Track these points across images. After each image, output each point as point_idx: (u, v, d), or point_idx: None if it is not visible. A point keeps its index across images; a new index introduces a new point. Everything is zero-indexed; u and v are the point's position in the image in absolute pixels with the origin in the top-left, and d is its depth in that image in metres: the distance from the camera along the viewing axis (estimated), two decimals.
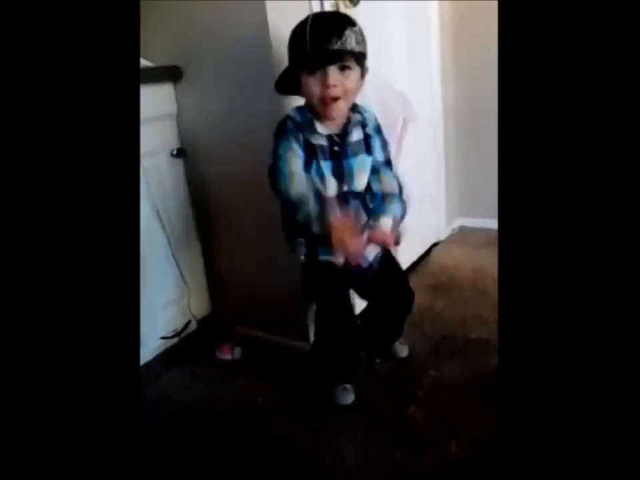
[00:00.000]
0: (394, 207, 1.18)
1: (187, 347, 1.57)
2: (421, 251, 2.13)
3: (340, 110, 1.08)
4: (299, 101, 1.14)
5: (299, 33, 1.03)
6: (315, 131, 1.09)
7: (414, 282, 1.89)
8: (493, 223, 2.25)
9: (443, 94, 2.14)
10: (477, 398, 1.24)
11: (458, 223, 2.41)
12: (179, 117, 1.51)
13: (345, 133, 1.12)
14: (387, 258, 1.27)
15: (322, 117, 1.09)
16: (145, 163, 1.35)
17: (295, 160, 1.07)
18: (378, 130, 1.19)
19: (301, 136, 1.08)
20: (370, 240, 1.15)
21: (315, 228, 1.08)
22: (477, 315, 1.63)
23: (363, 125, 1.15)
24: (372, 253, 1.21)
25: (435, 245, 2.23)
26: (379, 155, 1.19)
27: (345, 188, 1.13)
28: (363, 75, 1.08)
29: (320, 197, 1.09)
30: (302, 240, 1.18)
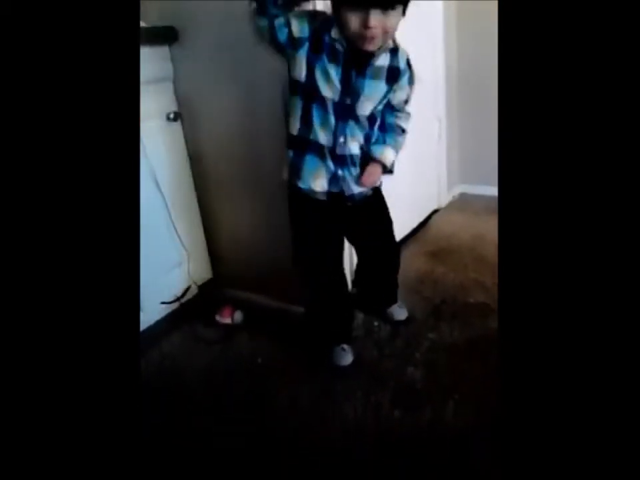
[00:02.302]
0: (398, 139, 1.23)
1: (188, 311, 1.58)
2: (422, 217, 2.12)
3: (376, 45, 1.03)
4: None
5: None
6: (333, 36, 1.03)
7: (414, 248, 1.92)
8: (493, 190, 2.25)
9: (446, 61, 2.10)
10: (475, 360, 1.26)
11: (458, 189, 2.40)
12: (175, 80, 1.48)
13: (370, 53, 1.06)
14: (376, 193, 1.28)
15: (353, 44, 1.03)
16: (141, 128, 1.32)
17: (296, 24, 1.02)
18: (409, 65, 1.15)
19: (315, 26, 1.02)
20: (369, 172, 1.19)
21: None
22: (476, 280, 1.64)
23: (393, 54, 1.11)
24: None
25: (435, 211, 2.23)
26: (400, 93, 1.17)
27: (347, 100, 1.09)
28: (404, 12, 1.02)
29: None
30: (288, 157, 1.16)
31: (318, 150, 1.12)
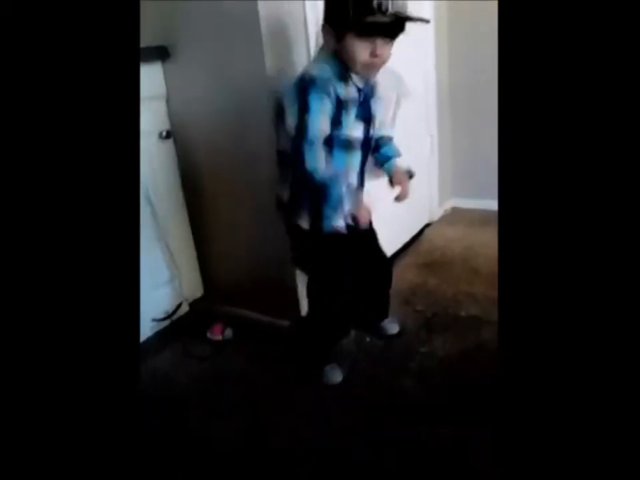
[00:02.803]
0: (396, 148, 1.30)
1: (179, 328, 1.58)
2: (414, 231, 2.13)
3: (377, 72, 1.11)
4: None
5: None
6: (349, 82, 1.09)
7: (407, 261, 1.92)
8: (485, 204, 2.26)
9: (437, 74, 2.13)
10: (468, 373, 1.26)
11: (451, 203, 2.41)
12: (168, 98, 1.50)
13: (367, 81, 1.13)
14: None
15: (355, 72, 1.09)
16: None
17: (325, 121, 1.06)
18: None
19: (332, 91, 1.05)
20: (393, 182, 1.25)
21: (341, 212, 1.11)
22: (468, 293, 1.64)
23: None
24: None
25: (427, 225, 2.24)
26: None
27: (371, 132, 1.17)
28: None
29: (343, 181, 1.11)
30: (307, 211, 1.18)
31: None
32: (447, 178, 2.34)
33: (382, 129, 1.26)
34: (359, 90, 1.11)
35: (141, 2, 1.33)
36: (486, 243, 1.97)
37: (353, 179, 1.18)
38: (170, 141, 1.53)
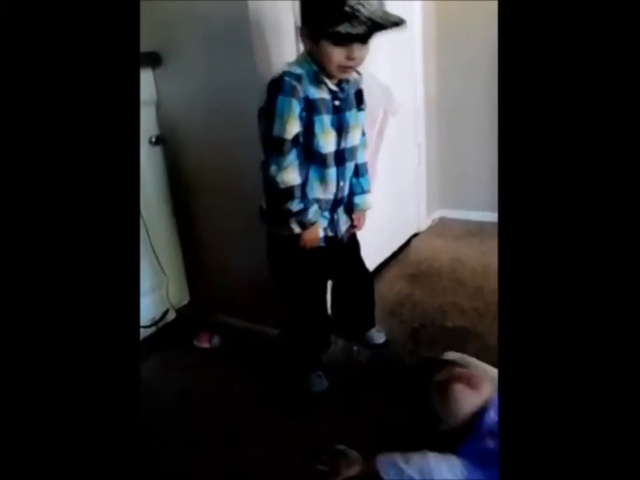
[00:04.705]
0: (367, 182, 1.27)
1: (165, 335, 1.56)
2: (401, 241, 2.14)
3: (351, 74, 1.10)
4: None
5: None
6: (320, 84, 1.07)
7: (394, 271, 1.93)
8: (472, 215, 2.29)
9: (425, 87, 2.15)
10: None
11: (438, 214, 2.43)
12: (159, 104, 1.49)
13: (341, 87, 1.11)
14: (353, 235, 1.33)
15: (329, 75, 1.07)
16: None
17: (293, 124, 1.03)
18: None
19: (301, 92, 1.03)
20: (353, 221, 1.27)
21: (293, 224, 1.12)
22: (455, 304, 1.65)
23: (355, 80, 1.16)
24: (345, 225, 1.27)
25: (415, 235, 2.25)
26: (363, 114, 1.21)
27: (342, 144, 1.14)
28: None
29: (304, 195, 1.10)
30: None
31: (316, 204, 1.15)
32: (435, 188, 2.36)
33: (356, 154, 1.21)
34: (331, 92, 1.09)
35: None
36: (472, 255, 1.99)
37: (330, 193, 1.16)
38: (159, 147, 1.52)
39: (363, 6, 0.96)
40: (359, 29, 0.97)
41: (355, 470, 0.99)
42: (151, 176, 1.51)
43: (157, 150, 1.52)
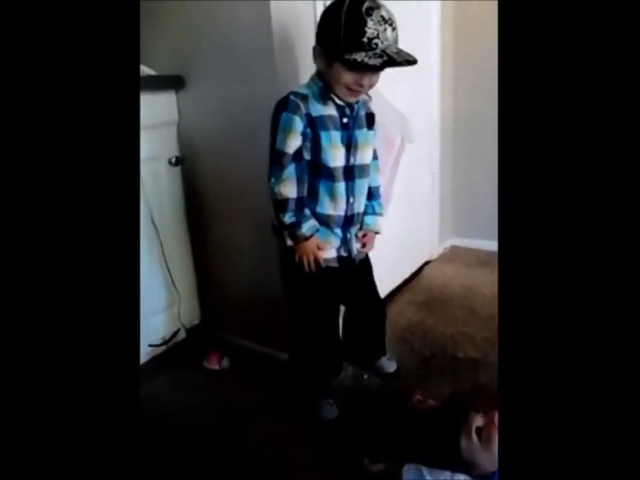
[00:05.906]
0: (380, 205, 1.28)
1: (175, 355, 1.56)
2: (413, 268, 2.14)
3: (358, 97, 1.12)
4: None
5: (352, 18, 0.99)
6: (328, 100, 1.09)
7: (405, 298, 1.92)
8: (484, 244, 2.28)
9: (441, 114, 2.17)
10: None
11: (450, 242, 2.43)
12: (180, 125, 1.52)
13: (351, 106, 1.13)
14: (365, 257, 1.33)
15: (337, 94, 1.09)
16: (143, 170, 1.35)
17: (294, 138, 1.07)
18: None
19: (304, 110, 1.07)
20: (364, 240, 1.25)
21: (286, 236, 1.15)
22: (466, 334, 1.64)
23: (364, 102, 1.19)
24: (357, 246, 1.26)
25: (427, 262, 2.25)
26: (375, 137, 1.22)
27: (352, 160, 1.15)
28: None
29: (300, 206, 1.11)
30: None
31: (327, 220, 1.16)
32: (448, 216, 2.37)
33: (367, 172, 1.21)
34: (339, 108, 1.11)
35: (157, 30, 1.40)
36: (484, 283, 1.98)
37: (341, 209, 1.16)
38: (177, 168, 1.54)
39: (380, 39, 0.99)
40: (375, 61, 1.00)
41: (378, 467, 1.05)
42: (169, 195, 1.53)
43: (176, 171, 1.54)
